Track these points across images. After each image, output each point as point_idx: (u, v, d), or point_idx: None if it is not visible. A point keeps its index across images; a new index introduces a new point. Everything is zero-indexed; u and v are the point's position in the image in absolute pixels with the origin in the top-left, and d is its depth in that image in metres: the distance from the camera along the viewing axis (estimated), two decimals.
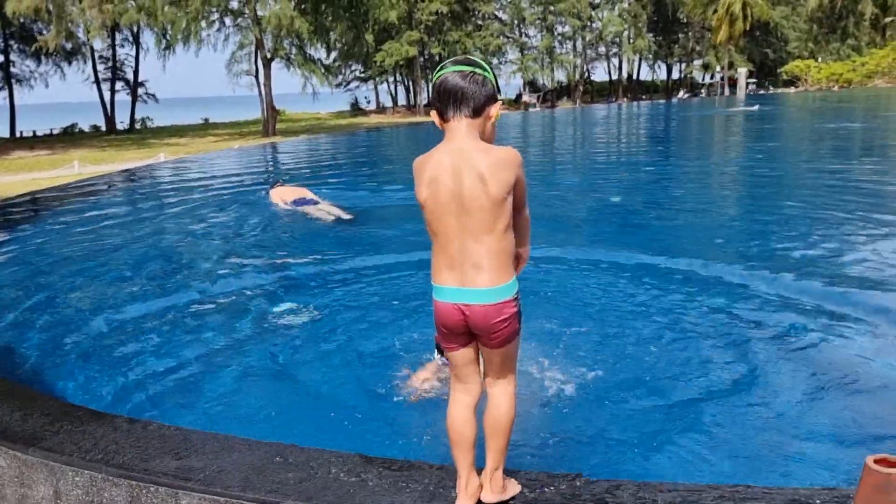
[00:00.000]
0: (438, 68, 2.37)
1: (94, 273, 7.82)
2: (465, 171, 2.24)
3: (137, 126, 52.42)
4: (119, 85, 52.78)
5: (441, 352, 3.89)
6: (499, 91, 2.36)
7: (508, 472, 2.57)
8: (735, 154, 19.87)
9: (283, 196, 11.76)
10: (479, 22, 65.69)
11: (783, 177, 14.29)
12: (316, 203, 11.42)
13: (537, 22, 67.27)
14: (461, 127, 2.30)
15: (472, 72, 2.30)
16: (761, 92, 64.94)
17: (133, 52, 52.79)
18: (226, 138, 39.21)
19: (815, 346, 4.77)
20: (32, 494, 3.03)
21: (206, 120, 58.15)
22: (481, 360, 2.47)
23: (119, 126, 50.84)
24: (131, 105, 52.62)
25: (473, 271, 2.26)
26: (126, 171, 21.05)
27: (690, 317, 5.48)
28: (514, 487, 2.55)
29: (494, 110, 2.33)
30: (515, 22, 68.08)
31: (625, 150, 23.23)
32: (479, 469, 2.52)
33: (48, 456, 2.99)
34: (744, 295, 6.01)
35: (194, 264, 8.14)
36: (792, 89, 64.83)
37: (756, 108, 39.07)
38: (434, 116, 2.37)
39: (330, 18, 47.19)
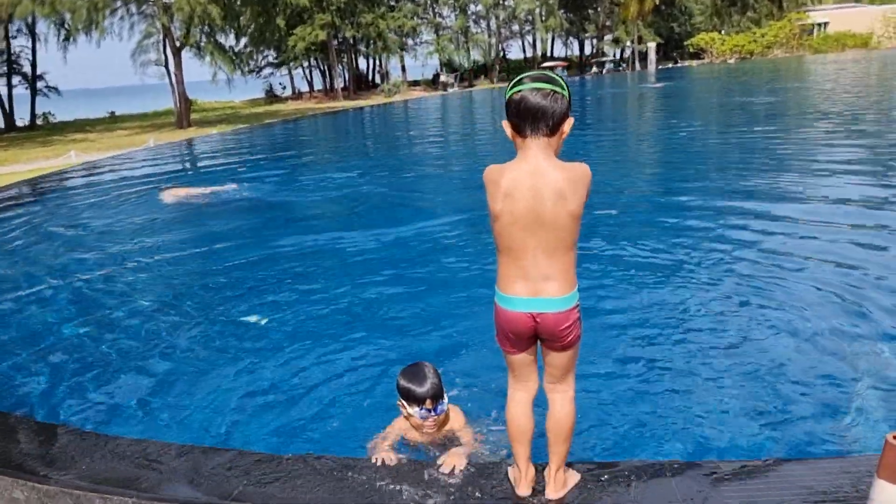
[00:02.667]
0: (516, 82, 2.39)
1: (49, 293, 7.53)
2: (544, 189, 2.32)
3: (39, 122, 49.71)
4: (16, 79, 49.83)
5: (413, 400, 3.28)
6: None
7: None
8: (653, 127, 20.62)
9: (174, 193, 12.83)
10: (392, 3, 65.20)
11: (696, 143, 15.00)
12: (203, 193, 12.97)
13: (451, 2, 67.34)
14: (539, 145, 2.36)
15: (552, 90, 2.33)
16: (669, 65, 67.14)
17: (29, 44, 49.86)
18: (138, 131, 37.76)
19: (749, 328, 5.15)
20: None
21: (113, 113, 55.68)
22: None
23: (19, 123, 48.13)
24: (31, 100, 49.81)
25: (544, 282, 2.39)
26: (41, 177, 19.99)
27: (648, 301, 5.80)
28: (573, 478, 2.76)
29: (567, 126, 2.38)
30: (429, 2, 67.91)
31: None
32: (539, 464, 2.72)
33: (71, 484, 2.99)
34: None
35: (157, 277, 7.98)
36: (695, 62, 67.29)
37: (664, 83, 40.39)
38: (507, 129, 2.41)
39: (239, 3, 45.92)
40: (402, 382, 3.32)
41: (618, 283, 6.22)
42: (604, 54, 76.07)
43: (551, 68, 67.73)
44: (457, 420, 3.47)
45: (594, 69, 70.50)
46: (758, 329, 4.95)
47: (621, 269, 6.67)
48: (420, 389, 3.26)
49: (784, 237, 7.33)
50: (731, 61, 63.40)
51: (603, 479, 2.77)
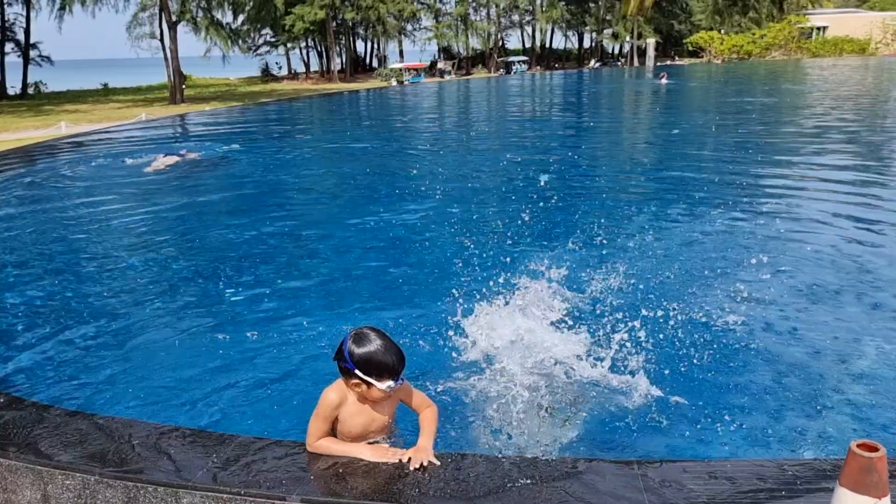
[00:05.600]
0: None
1: (36, 268, 7.44)
2: None
3: (31, 91, 49.18)
4: (9, 47, 49.22)
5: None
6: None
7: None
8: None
9: (165, 162, 13.40)
10: None
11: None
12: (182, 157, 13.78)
13: None
14: None
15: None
16: (667, 62, 67.08)
17: (24, 12, 49.17)
18: (130, 105, 37.45)
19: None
20: (17, 500, 2.99)
21: (106, 85, 55.13)
22: None
23: (10, 91, 47.62)
24: (23, 68, 49.23)
25: None
26: (28, 147, 19.74)
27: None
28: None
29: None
30: None
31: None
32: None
33: (34, 460, 2.95)
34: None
35: (131, 250, 7.91)
36: (686, 61, 67.08)
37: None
38: None
39: None
40: (374, 356, 2.86)
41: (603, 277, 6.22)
42: (603, 48, 75.56)
43: (399, 70, 55.84)
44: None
45: (501, 71, 64.25)
46: (733, 328, 4.95)
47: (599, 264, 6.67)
48: (396, 360, 2.89)
49: (771, 234, 7.34)
50: (718, 62, 63.35)
51: (566, 473, 2.76)
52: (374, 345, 2.89)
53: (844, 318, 5.11)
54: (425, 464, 2.82)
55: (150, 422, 3.30)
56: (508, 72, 62.75)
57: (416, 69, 57.85)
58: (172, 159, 13.32)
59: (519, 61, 64.94)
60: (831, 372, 4.27)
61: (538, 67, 70.05)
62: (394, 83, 51.91)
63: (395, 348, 2.93)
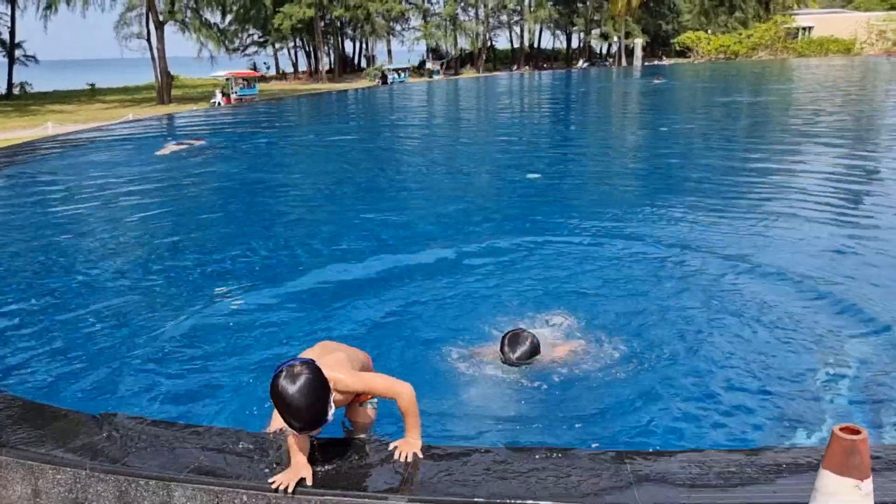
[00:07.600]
0: None
1: (23, 267, 7.41)
2: None
3: (16, 91, 48.70)
4: None
5: None
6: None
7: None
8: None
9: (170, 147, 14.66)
10: None
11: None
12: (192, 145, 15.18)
13: None
14: None
15: None
16: (655, 62, 67.34)
17: (8, 11, 48.70)
18: (117, 106, 37.18)
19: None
20: (7, 495, 2.98)
21: (93, 85, 54.66)
22: None
23: None
24: (8, 68, 48.75)
25: None
26: (13, 147, 19.59)
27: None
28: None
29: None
30: None
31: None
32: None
33: (24, 455, 2.94)
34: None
35: (113, 247, 7.90)
36: (669, 61, 67.30)
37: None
38: None
39: None
40: (280, 403, 2.58)
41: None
42: (591, 48, 75.46)
43: (224, 80, 38.56)
44: (345, 379, 2.86)
45: (377, 81, 52.50)
46: (716, 321, 5.01)
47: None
48: (298, 425, 2.60)
49: (751, 231, 7.41)
50: (700, 62, 63.74)
51: (547, 460, 2.79)
52: (290, 396, 2.55)
53: (822, 308, 5.17)
54: (410, 458, 2.85)
55: (141, 415, 3.30)
56: (385, 82, 52.32)
57: (245, 79, 40.78)
58: (175, 147, 13.98)
59: (398, 69, 56.28)
60: (810, 362, 4.34)
61: (527, 67, 70.11)
62: (218, 97, 35.35)
63: (305, 412, 2.56)
